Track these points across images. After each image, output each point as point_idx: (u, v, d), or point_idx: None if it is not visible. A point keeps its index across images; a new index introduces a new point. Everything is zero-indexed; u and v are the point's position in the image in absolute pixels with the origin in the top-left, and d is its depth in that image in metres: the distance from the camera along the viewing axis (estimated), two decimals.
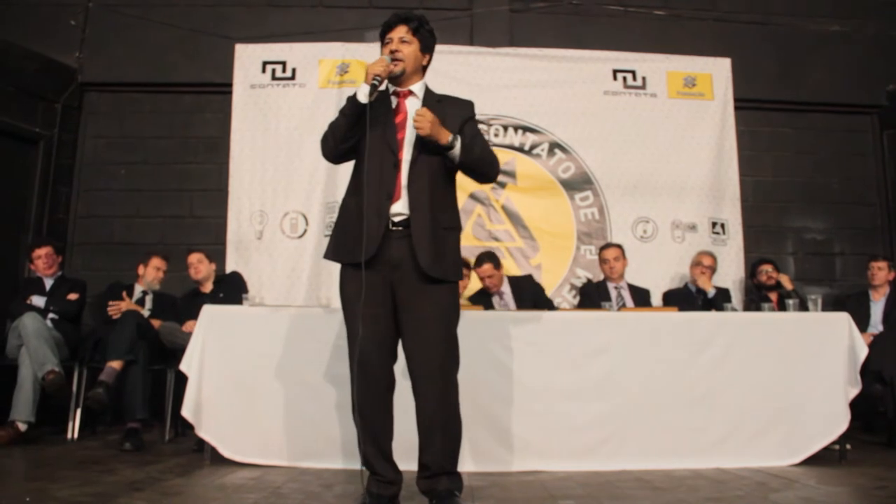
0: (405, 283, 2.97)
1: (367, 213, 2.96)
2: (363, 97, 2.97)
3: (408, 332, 3.00)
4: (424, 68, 3.21)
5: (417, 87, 3.15)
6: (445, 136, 2.97)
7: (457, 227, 3.15)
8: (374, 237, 2.94)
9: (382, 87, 3.08)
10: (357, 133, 3.02)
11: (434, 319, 2.98)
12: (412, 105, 3.10)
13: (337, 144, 3.09)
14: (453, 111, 3.14)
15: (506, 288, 5.67)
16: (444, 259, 3.01)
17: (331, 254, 3.10)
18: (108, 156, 6.60)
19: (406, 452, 3.13)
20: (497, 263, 5.64)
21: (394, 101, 3.14)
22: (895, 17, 7.03)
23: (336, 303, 5.63)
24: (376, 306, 2.96)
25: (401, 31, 3.11)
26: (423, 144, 3.01)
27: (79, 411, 5.01)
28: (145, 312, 5.37)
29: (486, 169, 3.17)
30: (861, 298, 5.84)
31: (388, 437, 3.04)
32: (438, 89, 3.22)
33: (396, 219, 2.98)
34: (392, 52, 3.07)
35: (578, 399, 4.13)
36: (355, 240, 2.95)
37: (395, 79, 3.11)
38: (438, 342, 2.97)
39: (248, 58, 6.49)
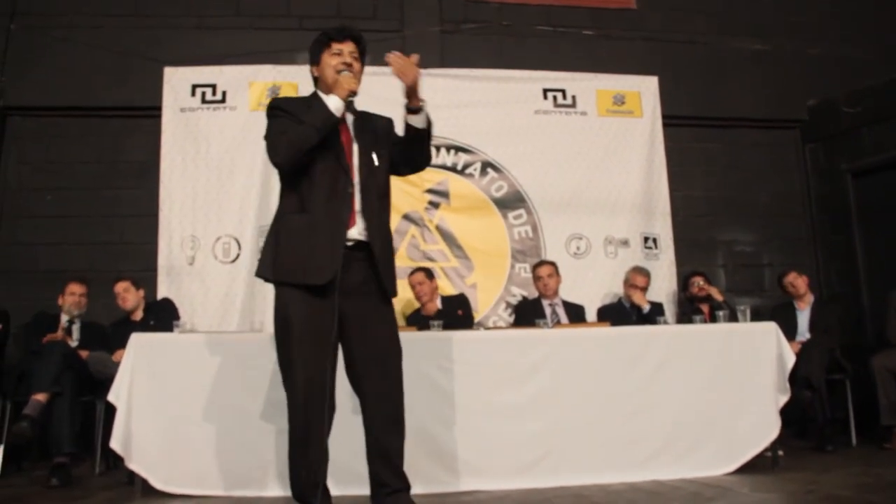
0: (360, 306, 2.95)
1: (324, 237, 2.92)
2: (337, 112, 2.94)
3: (361, 355, 2.98)
4: None
5: None
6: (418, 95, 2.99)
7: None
8: (334, 261, 2.89)
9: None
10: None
11: (388, 340, 3.03)
12: (349, 124, 3.09)
13: (304, 156, 2.94)
14: (381, 123, 3.16)
15: (439, 304, 5.71)
16: (394, 276, 3.13)
17: (280, 275, 2.97)
18: (33, 181, 6.42)
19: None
20: (430, 274, 5.71)
21: None
22: (812, 35, 7.29)
23: (271, 327, 5.59)
24: (326, 331, 2.90)
25: (350, 47, 3.08)
26: (371, 167, 3.02)
27: (2, 447, 4.81)
28: (73, 343, 5.21)
29: (429, 146, 3.18)
30: (787, 308, 5.98)
31: (327, 464, 3.00)
32: (371, 110, 3.21)
33: (349, 243, 2.96)
34: (348, 65, 3.03)
35: (515, 417, 4.13)
36: (310, 261, 2.90)
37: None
38: (393, 363, 3.00)
39: (177, 81, 6.38)
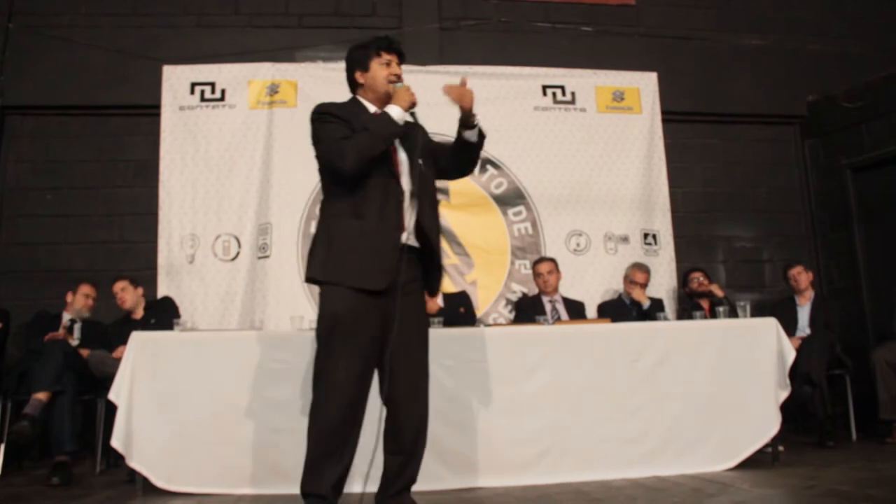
0: (406, 307, 3.02)
1: (379, 244, 2.99)
2: (400, 122, 3.03)
3: (397, 351, 3.02)
4: None
5: None
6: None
7: None
8: (390, 267, 2.97)
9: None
10: None
11: (423, 339, 3.16)
12: None
13: (369, 163, 2.99)
14: (419, 130, 3.21)
15: (441, 302, 5.69)
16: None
17: (332, 276, 2.98)
18: (32, 181, 6.40)
19: None
20: None
21: None
22: (812, 31, 7.30)
23: (271, 325, 5.60)
24: (373, 330, 2.98)
25: (396, 59, 3.18)
26: (419, 173, 3.10)
27: (2, 446, 4.82)
28: (74, 341, 5.21)
29: (479, 155, 3.36)
30: (787, 304, 5.98)
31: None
32: None
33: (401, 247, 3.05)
34: (398, 77, 3.14)
35: (515, 413, 4.14)
36: (366, 266, 2.95)
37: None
38: (425, 361, 3.14)
39: (176, 79, 6.38)
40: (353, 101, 3.19)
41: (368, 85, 3.16)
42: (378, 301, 2.96)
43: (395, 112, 3.01)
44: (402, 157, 3.13)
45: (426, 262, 3.16)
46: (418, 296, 3.19)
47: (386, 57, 3.13)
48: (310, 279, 3.06)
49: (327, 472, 2.89)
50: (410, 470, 3.11)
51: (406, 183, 3.10)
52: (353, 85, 3.23)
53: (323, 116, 3.05)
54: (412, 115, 3.10)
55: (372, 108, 3.14)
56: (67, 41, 6.38)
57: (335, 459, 2.89)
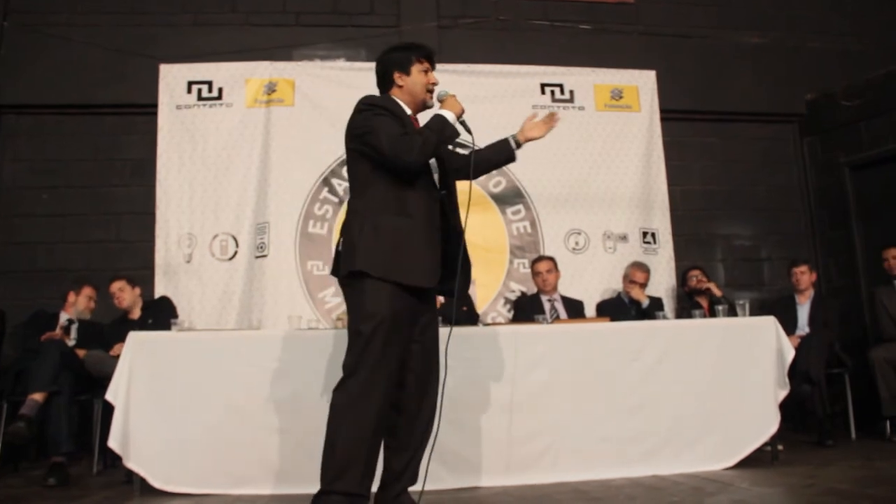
0: (431, 308, 3.20)
1: (428, 242, 3.08)
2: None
3: (418, 351, 3.13)
4: None
5: None
6: None
7: None
8: (438, 266, 3.11)
9: None
10: None
11: (437, 338, 3.24)
12: None
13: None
14: None
15: (442, 299, 5.68)
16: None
17: (386, 272, 2.95)
18: (28, 180, 6.37)
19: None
20: None
21: None
22: (812, 29, 7.29)
23: (269, 324, 5.58)
24: (410, 330, 3.08)
25: (432, 70, 3.28)
26: (449, 175, 3.28)
27: None
28: (71, 341, 5.18)
29: None
30: (787, 302, 5.97)
31: None
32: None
33: None
34: (435, 85, 3.26)
35: (514, 412, 4.12)
36: (419, 264, 3.02)
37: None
38: (438, 363, 3.21)
39: (172, 78, 6.35)
40: (392, 100, 3.20)
41: (407, 88, 3.21)
42: (415, 299, 3.02)
43: (450, 117, 3.09)
44: (432, 161, 3.19)
45: (464, 261, 3.24)
46: (435, 299, 3.31)
47: (426, 64, 3.23)
48: (352, 273, 2.99)
49: (362, 470, 2.88)
50: (414, 466, 3.14)
51: (441, 184, 3.22)
52: (388, 84, 3.26)
53: (374, 108, 3.07)
54: (462, 123, 3.15)
55: (408, 111, 3.20)
56: (64, 39, 6.34)
57: (369, 457, 2.91)
